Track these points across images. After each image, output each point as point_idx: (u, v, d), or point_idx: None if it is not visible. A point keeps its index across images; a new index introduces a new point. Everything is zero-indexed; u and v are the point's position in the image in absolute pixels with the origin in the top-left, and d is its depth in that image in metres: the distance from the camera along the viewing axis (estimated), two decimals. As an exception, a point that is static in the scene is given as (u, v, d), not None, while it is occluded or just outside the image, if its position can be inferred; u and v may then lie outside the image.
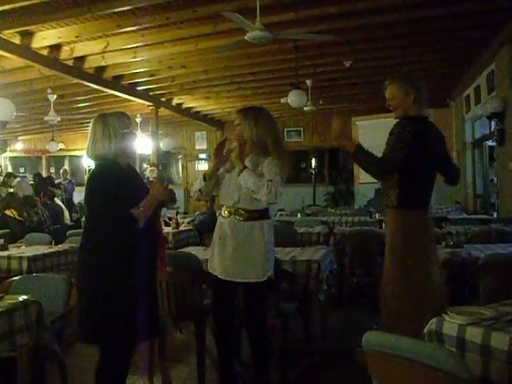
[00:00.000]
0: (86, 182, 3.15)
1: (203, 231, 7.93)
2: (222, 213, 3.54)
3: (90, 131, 3.05)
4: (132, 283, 2.89)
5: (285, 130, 16.13)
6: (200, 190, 3.53)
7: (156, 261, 3.11)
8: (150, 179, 12.50)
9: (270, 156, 3.45)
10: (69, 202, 12.36)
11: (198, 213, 9.32)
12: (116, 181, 2.92)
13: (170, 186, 16.04)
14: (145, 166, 16.06)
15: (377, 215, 8.83)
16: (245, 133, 3.46)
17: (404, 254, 3.32)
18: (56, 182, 12.92)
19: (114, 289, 2.90)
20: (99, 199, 2.93)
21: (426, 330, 2.32)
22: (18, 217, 8.22)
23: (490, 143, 10.39)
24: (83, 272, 3.04)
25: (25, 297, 3.07)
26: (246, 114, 3.54)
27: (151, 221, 3.00)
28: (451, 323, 2.22)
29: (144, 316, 2.95)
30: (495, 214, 8.82)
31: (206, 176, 3.49)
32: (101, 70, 9.32)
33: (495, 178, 8.83)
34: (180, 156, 17.55)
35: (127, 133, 3.01)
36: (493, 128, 8.68)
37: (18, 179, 12.47)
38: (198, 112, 14.61)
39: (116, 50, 8.27)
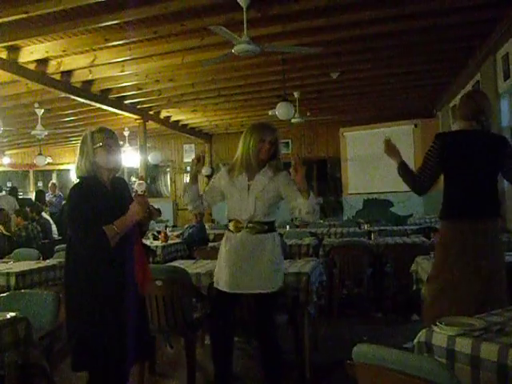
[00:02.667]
0: None
1: (192, 244, 7.92)
2: (231, 227, 3.58)
3: None
4: (109, 302, 2.88)
5: (273, 141, 16.15)
6: (186, 191, 3.66)
7: (133, 277, 3.02)
8: (139, 193, 12.48)
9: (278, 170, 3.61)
10: (58, 217, 12.30)
11: (186, 226, 9.30)
12: (90, 196, 2.92)
13: (159, 200, 16.04)
14: (133, 179, 16.04)
15: (365, 226, 8.85)
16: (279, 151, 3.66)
17: (446, 267, 3.38)
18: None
19: (92, 309, 2.88)
20: (72, 217, 2.95)
21: (415, 341, 2.33)
22: (5, 232, 8.16)
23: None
24: (65, 291, 3.04)
25: (12, 314, 3.04)
26: (277, 133, 3.68)
27: (129, 238, 2.98)
28: (441, 334, 2.22)
29: (131, 337, 2.93)
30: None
31: (185, 186, 3.69)
32: (88, 83, 9.31)
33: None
34: (168, 169, 17.53)
35: (99, 148, 2.98)
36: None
37: (2, 193, 12.42)
38: (185, 125, 14.62)
39: (103, 64, 8.26)
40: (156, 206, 13.42)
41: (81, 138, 3.07)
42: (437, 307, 3.32)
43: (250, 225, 3.51)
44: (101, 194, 2.97)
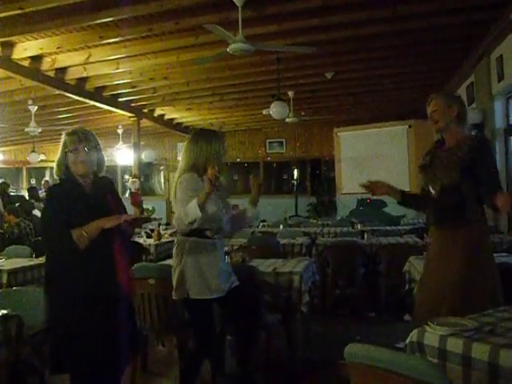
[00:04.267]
0: None
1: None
2: (211, 234, 3.53)
3: None
4: (87, 303, 2.83)
5: (267, 141, 16.20)
6: (196, 220, 3.32)
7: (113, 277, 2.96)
8: (133, 191, 12.47)
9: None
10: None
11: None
12: (60, 201, 2.89)
13: (152, 198, 15.95)
14: (126, 177, 16.02)
15: (359, 226, 8.86)
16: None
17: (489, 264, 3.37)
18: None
19: (69, 309, 2.83)
20: (42, 219, 3.00)
21: (407, 341, 2.33)
22: (-3, 229, 8.12)
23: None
24: (44, 291, 3.04)
25: (4, 311, 3.03)
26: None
27: (106, 239, 2.92)
28: (432, 334, 2.23)
29: (118, 339, 2.89)
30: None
31: (200, 205, 3.24)
32: (82, 81, 9.29)
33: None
34: (162, 167, 17.49)
35: (69, 152, 2.95)
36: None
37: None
38: (180, 123, 14.60)
39: (98, 62, 8.25)
40: (150, 206, 13.37)
41: None
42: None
43: (219, 231, 3.63)
44: (77, 196, 2.92)
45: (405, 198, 3.61)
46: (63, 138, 3.00)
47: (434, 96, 3.53)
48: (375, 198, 12.29)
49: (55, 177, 3.05)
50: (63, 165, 2.98)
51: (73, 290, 2.83)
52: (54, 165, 3.03)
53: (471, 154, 3.25)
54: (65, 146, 2.98)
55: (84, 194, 2.97)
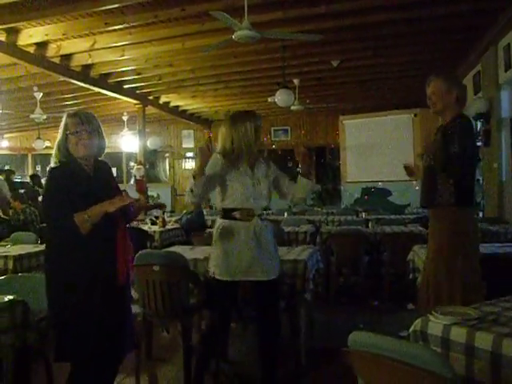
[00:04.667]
0: None
1: (190, 230, 7.93)
2: (240, 216, 3.51)
3: None
4: (88, 290, 2.81)
5: (272, 128, 16.15)
6: (191, 189, 3.40)
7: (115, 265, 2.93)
8: (138, 178, 12.48)
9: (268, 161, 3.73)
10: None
11: (185, 211, 9.31)
12: (62, 185, 2.83)
13: (157, 185, 15.99)
14: (132, 164, 16.03)
15: (363, 214, 8.87)
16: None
17: (456, 252, 3.36)
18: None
19: (71, 296, 2.81)
20: (44, 203, 2.93)
21: (411, 329, 2.34)
22: (3, 215, 8.16)
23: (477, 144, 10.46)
24: (45, 277, 2.97)
25: (10, 297, 3.06)
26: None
27: (110, 224, 2.89)
28: (436, 323, 2.24)
29: (117, 327, 2.89)
30: (481, 214, 8.89)
31: (196, 175, 3.38)
32: (88, 67, 9.27)
33: (481, 178, 8.91)
34: (167, 154, 17.49)
35: (70, 135, 2.90)
36: (478, 128, 8.76)
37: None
38: (185, 110, 14.58)
39: (103, 48, 8.23)
40: (155, 193, 13.40)
41: None
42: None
43: (262, 212, 3.59)
44: (79, 179, 2.88)
45: None
46: (64, 119, 2.95)
47: (433, 78, 3.53)
48: (380, 186, 12.35)
49: (54, 160, 2.97)
50: (64, 147, 2.92)
51: (72, 275, 2.80)
52: (54, 147, 2.97)
53: (447, 134, 3.31)
54: (66, 127, 2.92)
55: (87, 177, 2.93)
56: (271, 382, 3.62)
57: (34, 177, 13.01)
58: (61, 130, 2.94)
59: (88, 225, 2.76)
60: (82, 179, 2.90)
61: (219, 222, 3.61)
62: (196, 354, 3.75)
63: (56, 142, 2.96)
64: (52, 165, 2.97)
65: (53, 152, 2.98)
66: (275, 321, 3.62)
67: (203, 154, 3.38)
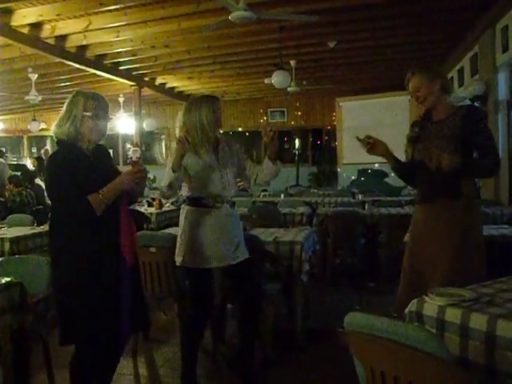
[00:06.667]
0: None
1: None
2: (210, 203, 3.50)
3: None
4: (96, 273, 2.78)
5: (268, 110, 16.11)
6: (171, 184, 3.40)
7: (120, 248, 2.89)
8: (134, 159, 12.45)
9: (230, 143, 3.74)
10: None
11: (181, 193, 9.30)
12: (71, 165, 2.77)
13: (153, 167, 15.99)
14: (128, 146, 15.99)
15: (360, 196, 8.88)
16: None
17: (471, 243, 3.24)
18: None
19: (77, 280, 2.77)
20: (54, 186, 2.83)
21: (406, 310, 2.36)
22: (-1, 197, 8.15)
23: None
24: (51, 260, 2.94)
25: (7, 279, 3.06)
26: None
27: (115, 205, 2.86)
28: (431, 304, 2.25)
29: (123, 309, 2.85)
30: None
31: (176, 168, 3.35)
32: (83, 49, 9.20)
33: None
34: (163, 136, 17.45)
35: (87, 116, 2.84)
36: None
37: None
38: (181, 92, 14.51)
39: (98, 29, 8.15)
40: (151, 175, 13.36)
41: (71, 97, 2.91)
42: None
43: (226, 199, 3.56)
44: (83, 162, 2.84)
45: (399, 165, 3.48)
46: (82, 99, 2.86)
47: (416, 72, 3.41)
48: (376, 168, 12.35)
49: (54, 139, 2.89)
50: (76, 128, 2.83)
51: (79, 257, 2.76)
52: (59, 123, 2.86)
53: (465, 122, 3.22)
54: (83, 108, 2.84)
55: (89, 161, 2.89)
56: (248, 357, 3.72)
57: (39, 159, 12.92)
58: (73, 109, 2.85)
59: (103, 206, 2.74)
60: (86, 163, 2.85)
61: (186, 209, 3.59)
62: (181, 339, 3.79)
63: (64, 118, 2.85)
64: (49, 149, 2.92)
65: (53, 129, 2.89)
66: (252, 301, 3.66)
67: (183, 145, 3.33)
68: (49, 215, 2.96)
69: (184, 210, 3.61)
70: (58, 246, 2.86)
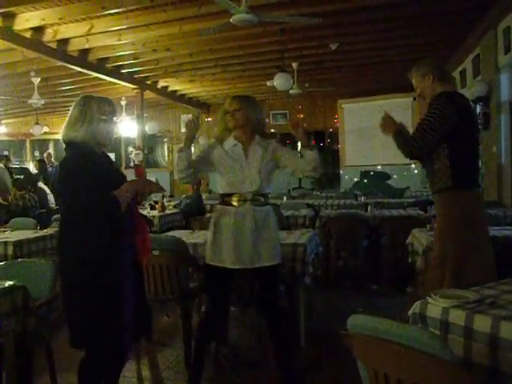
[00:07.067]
0: (58, 169, 2.98)
1: (189, 214, 7.94)
2: (233, 201, 3.45)
3: (69, 112, 2.93)
4: (118, 274, 2.78)
5: (271, 112, 16.10)
6: (177, 163, 3.46)
7: (134, 250, 2.93)
8: (136, 163, 12.46)
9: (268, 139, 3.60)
10: (53, 186, 12.25)
11: (184, 196, 9.30)
12: (93, 166, 2.78)
13: (156, 170, 16.02)
14: (130, 149, 16.00)
15: (362, 198, 8.88)
16: (251, 116, 3.50)
17: (459, 236, 3.27)
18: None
19: (99, 282, 2.75)
20: (78, 184, 2.76)
21: (410, 312, 2.35)
22: (2, 201, 8.16)
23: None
24: (66, 268, 2.87)
25: (10, 282, 3.06)
26: (247, 100, 3.58)
27: (130, 208, 2.86)
28: (435, 306, 2.25)
29: (133, 313, 2.86)
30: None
31: (181, 149, 3.43)
32: (85, 52, 9.22)
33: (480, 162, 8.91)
34: (166, 139, 17.47)
35: (103, 120, 2.86)
36: (478, 112, 8.74)
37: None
38: (183, 95, 14.53)
39: (100, 33, 8.17)
40: (154, 178, 13.47)
41: (82, 100, 2.91)
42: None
43: (256, 197, 3.45)
44: (101, 164, 2.87)
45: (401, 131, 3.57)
46: (96, 103, 2.88)
47: (411, 73, 3.55)
48: (379, 170, 12.34)
49: (62, 138, 2.90)
50: (92, 132, 2.84)
51: (96, 260, 2.75)
52: (72, 126, 2.85)
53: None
54: (98, 112, 2.86)
55: (103, 162, 2.93)
56: (288, 367, 3.57)
57: (41, 162, 12.95)
58: (92, 112, 2.85)
59: (126, 204, 2.76)
60: (104, 165, 2.91)
61: (217, 207, 3.59)
62: (194, 338, 3.75)
63: (77, 121, 2.85)
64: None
65: (65, 132, 2.89)
66: (273, 308, 3.55)
67: (189, 128, 3.42)
68: (52, 218, 2.97)
69: (214, 206, 3.66)
70: (70, 244, 2.82)
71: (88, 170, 2.75)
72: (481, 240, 3.33)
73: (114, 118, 2.96)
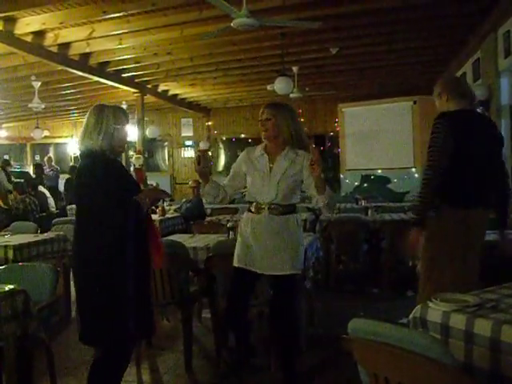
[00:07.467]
0: (76, 176, 3.04)
1: (190, 218, 7.94)
2: (252, 209, 3.58)
3: (84, 121, 3.01)
4: (125, 276, 2.84)
5: (271, 117, 16.08)
6: (204, 195, 3.68)
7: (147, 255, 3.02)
8: (137, 167, 12.46)
9: (302, 149, 3.58)
10: (54, 190, 12.29)
11: (184, 200, 9.31)
12: (114, 170, 2.92)
13: (156, 174, 16.03)
14: (131, 153, 16.00)
15: (363, 202, 8.87)
16: (282, 127, 3.53)
17: (432, 254, 3.37)
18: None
19: (107, 282, 2.83)
20: (102, 188, 2.84)
21: (410, 316, 2.35)
22: (2, 205, 8.16)
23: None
24: (84, 271, 2.92)
25: (11, 286, 3.06)
26: (279, 108, 3.59)
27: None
28: (436, 310, 2.25)
29: (142, 313, 2.95)
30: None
31: (201, 186, 3.62)
32: (86, 56, 9.23)
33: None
34: (166, 143, 17.48)
35: (118, 129, 2.96)
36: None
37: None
38: (184, 99, 14.54)
39: (101, 37, 8.18)
40: (154, 182, 13.42)
41: (96, 109, 2.98)
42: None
43: (272, 206, 3.50)
44: (120, 172, 2.99)
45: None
46: (111, 112, 2.96)
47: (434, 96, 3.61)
48: (379, 174, 12.34)
49: (80, 147, 2.98)
50: (109, 140, 2.93)
51: (115, 262, 2.83)
52: (90, 136, 2.91)
53: None
54: (115, 120, 2.95)
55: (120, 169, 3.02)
56: (289, 370, 3.64)
57: (38, 166, 12.99)
58: (108, 121, 2.94)
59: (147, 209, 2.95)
60: (123, 172, 3.03)
61: (244, 213, 3.73)
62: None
63: (95, 130, 2.91)
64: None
65: (82, 141, 2.96)
66: (287, 314, 3.60)
67: (199, 169, 3.48)
68: (52, 222, 3.00)
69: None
70: (85, 246, 2.89)
71: (113, 177, 2.87)
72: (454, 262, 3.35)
73: (127, 126, 3.06)
